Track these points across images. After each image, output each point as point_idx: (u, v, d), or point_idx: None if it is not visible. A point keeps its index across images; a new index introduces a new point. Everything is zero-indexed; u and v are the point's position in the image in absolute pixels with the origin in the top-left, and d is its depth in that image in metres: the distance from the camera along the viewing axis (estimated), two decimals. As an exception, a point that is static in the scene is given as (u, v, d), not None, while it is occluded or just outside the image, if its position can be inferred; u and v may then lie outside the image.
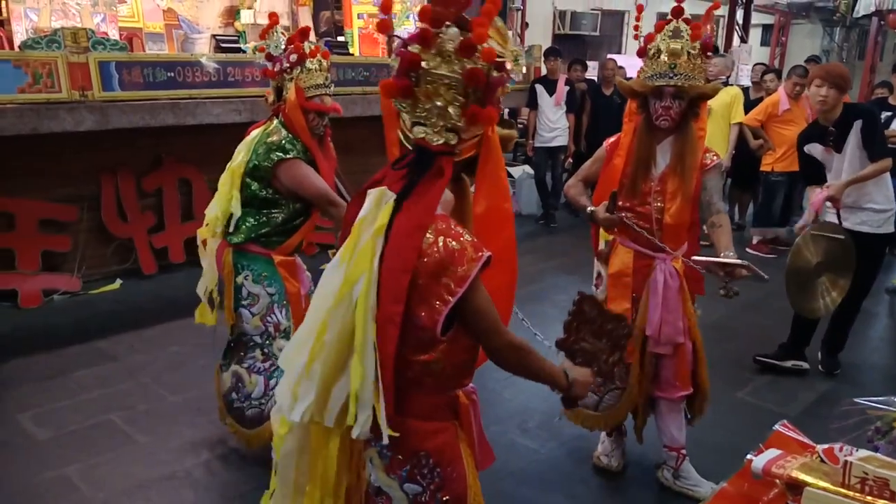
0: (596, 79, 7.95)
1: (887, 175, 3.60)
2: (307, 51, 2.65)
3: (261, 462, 2.60)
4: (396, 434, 1.34)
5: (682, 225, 2.55)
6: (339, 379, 1.35)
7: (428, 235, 1.33)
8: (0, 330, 4.03)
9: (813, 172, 3.75)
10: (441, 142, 1.36)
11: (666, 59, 2.43)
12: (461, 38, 1.30)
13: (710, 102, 6.75)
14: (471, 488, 1.50)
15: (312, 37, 2.61)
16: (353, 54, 6.70)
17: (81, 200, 4.63)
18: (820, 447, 1.53)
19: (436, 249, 1.32)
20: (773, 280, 4.29)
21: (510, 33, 1.43)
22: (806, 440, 1.64)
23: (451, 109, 1.34)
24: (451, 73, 1.32)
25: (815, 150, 3.66)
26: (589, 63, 8.29)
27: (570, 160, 7.40)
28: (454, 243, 1.33)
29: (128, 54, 4.42)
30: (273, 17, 2.84)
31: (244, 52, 5.35)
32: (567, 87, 7.03)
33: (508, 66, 1.37)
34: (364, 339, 1.32)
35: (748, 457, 1.58)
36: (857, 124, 3.49)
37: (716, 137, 6.23)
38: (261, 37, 2.79)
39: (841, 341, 3.87)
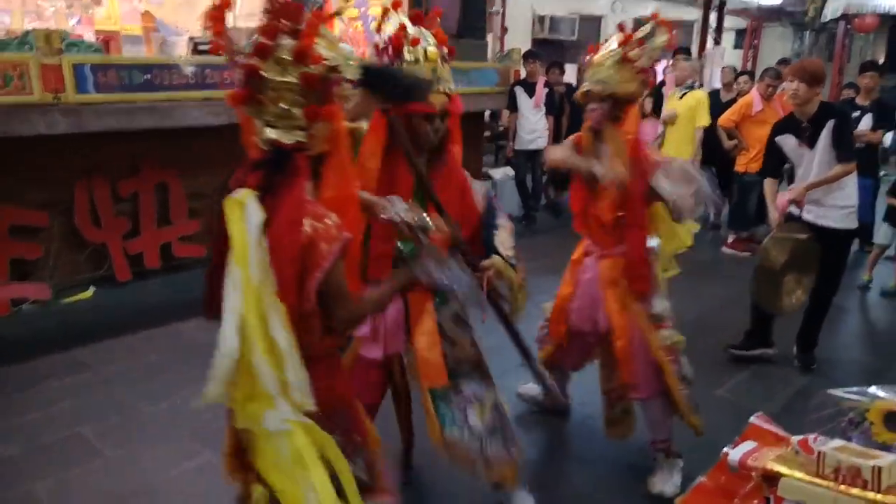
0: (574, 82, 8.00)
1: (853, 173, 3.68)
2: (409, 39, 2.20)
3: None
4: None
5: (608, 224, 2.70)
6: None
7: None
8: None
9: (775, 164, 3.89)
10: (293, 140, 1.51)
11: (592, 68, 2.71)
12: (294, 48, 1.46)
13: (675, 106, 6.84)
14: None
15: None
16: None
17: (54, 206, 4.53)
18: (795, 438, 1.59)
19: (305, 230, 1.49)
20: (749, 277, 4.34)
21: (342, 42, 1.60)
22: (781, 432, 1.70)
23: (294, 111, 1.49)
24: (290, 79, 1.47)
25: (787, 141, 3.74)
26: (567, 67, 8.34)
27: (551, 163, 7.41)
28: (320, 225, 1.50)
29: (103, 56, 4.34)
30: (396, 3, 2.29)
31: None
32: (546, 90, 7.08)
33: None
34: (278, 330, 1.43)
35: (724, 450, 1.62)
36: (830, 123, 3.57)
37: (682, 141, 6.36)
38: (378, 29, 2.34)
39: (814, 337, 3.94)
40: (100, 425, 3.10)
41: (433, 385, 2.29)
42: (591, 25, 15.54)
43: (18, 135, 3.90)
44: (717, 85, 8.39)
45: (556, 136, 7.41)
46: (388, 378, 2.49)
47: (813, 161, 3.64)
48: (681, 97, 6.43)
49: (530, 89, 7.02)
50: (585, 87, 2.70)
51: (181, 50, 6.78)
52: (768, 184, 3.88)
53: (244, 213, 1.44)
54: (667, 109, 6.49)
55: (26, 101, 3.90)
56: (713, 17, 11.88)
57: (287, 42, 1.47)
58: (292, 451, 1.44)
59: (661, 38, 2.70)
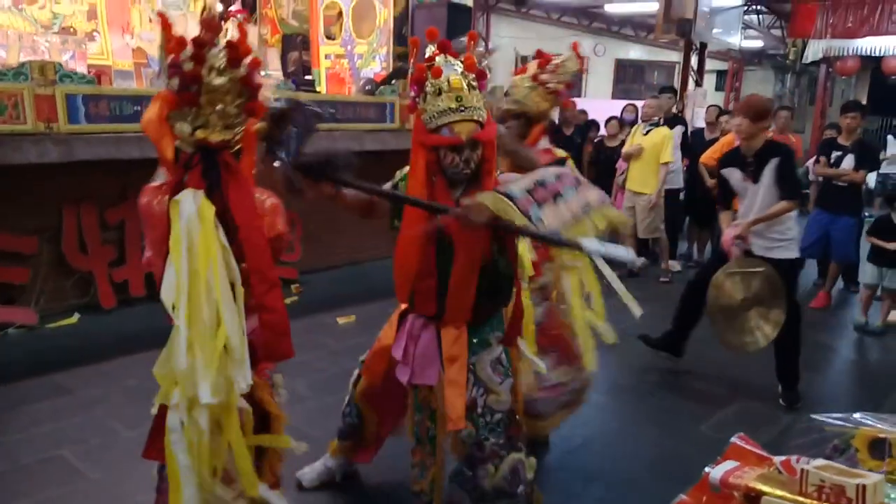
0: (556, 120, 8.18)
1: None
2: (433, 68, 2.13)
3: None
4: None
5: None
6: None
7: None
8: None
9: (726, 196, 4.03)
10: (221, 138, 1.71)
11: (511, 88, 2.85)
12: (228, 54, 1.68)
13: (640, 142, 7.04)
14: None
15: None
16: (320, 92, 6.81)
17: (42, 232, 4.56)
18: (777, 459, 1.56)
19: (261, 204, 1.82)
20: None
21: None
22: (763, 452, 1.65)
23: (229, 109, 1.70)
24: (224, 82, 1.68)
25: (733, 175, 3.88)
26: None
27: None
28: (267, 202, 1.86)
29: (95, 87, 4.43)
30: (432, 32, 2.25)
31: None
32: (529, 128, 7.21)
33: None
34: (231, 311, 1.69)
35: (706, 469, 1.61)
36: (774, 162, 3.69)
37: (646, 176, 6.51)
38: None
39: (792, 371, 3.94)
40: (80, 447, 3.10)
41: (454, 427, 2.21)
42: (576, 66, 15.84)
43: (11, 162, 3.94)
44: (700, 124, 8.63)
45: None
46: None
47: (756, 195, 3.76)
48: (646, 133, 6.56)
49: (514, 126, 7.16)
50: (504, 105, 2.88)
51: (172, 85, 6.91)
52: (722, 216, 4.02)
53: (179, 211, 1.66)
54: (631, 145, 6.62)
55: (20, 129, 3.96)
56: (694, 59, 12.22)
57: (215, 51, 1.68)
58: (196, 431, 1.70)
59: (573, 65, 2.97)
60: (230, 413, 1.77)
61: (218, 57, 1.68)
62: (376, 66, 6.87)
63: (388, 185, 2.32)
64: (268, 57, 8.10)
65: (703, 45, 12.21)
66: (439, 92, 2.06)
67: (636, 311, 2.23)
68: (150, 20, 8.11)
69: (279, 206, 1.88)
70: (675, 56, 16.25)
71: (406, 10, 6.89)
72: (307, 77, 7.36)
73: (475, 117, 2.08)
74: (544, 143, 3.15)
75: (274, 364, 2.06)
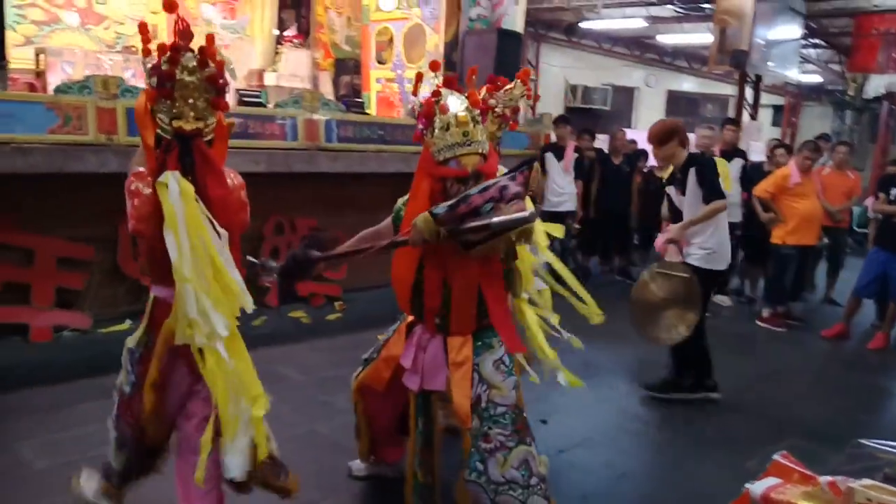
0: (606, 149, 8.16)
1: (720, 219, 4.03)
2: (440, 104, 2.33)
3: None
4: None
5: None
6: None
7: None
8: (9, 362, 4.08)
9: (673, 212, 4.24)
10: (193, 127, 2.06)
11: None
12: (198, 58, 2.02)
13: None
14: None
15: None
16: (369, 114, 6.93)
17: (99, 240, 4.72)
18: (823, 479, 1.53)
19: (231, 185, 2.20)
20: (785, 353, 4.31)
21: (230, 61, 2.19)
22: (807, 471, 1.63)
23: (199, 103, 2.06)
24: (195, 80, 2.04)
25: (672, 192, 4.19)
26: (599, 136, 8.53)
27: (578, 226, 7.52)
28: (235, 181, 2.25)
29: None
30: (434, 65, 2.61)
31: (265, 106, 5.58)
32: (576, 155, 7.20)
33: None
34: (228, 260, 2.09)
35: (746, 486, 1.58)
36: (692, 171, 3.97)
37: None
38: (414, 92, 2.58)
39: (682, 365, 4.19)
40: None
41: (463, 425, 2.41)
42: (625, 96, 15.83)
43: (72, 171, 4.13)
44: (755, 158, 8.45)
45: (586, 201, 7.54)
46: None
47: (684, 205, 4.07)
48: None
49: (559, 153, 7.10)
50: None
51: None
52: (667, 226, 4.28)
53: (168, 190, 2.00)
54: None
55: (82, 140, 4.15)
56: (749, 92, 12.05)
57: (189, 55, 2.03)
58: (216, 359, 2.05)
59: (519, 91, 3.21)
60: (236, 340, 2.13)
61: (190, 60, 2.03)
62: (425, 91, 6.98)
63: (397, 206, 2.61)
64: (320, 80, 8.32)
65: (759, 78, 12.04)
66: (447, 127, 2.28)
67: (596, 319, 2.70)
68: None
69: (243, 183, 2.28)
70: (729, 89, 16.06)
71: (457, 36, 6.99)
72: (357, 100, 7.50)
73: (479, 150, 2.30)
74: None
75: None
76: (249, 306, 2.11)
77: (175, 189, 2.00)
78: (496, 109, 3.21)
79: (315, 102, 5.42)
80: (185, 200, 2.00)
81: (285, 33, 8.69)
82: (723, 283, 6.98)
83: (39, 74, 6.32)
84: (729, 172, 6.40)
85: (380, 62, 7.56)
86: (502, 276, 2.45)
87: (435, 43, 6.89)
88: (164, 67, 2.02)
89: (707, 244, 4.04)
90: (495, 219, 2.09)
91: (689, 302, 3.86)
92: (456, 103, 2.30)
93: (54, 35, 6.85)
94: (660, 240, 4.13)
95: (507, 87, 3.24)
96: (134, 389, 2.37)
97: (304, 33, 8.90)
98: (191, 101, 2.05)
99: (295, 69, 8.09)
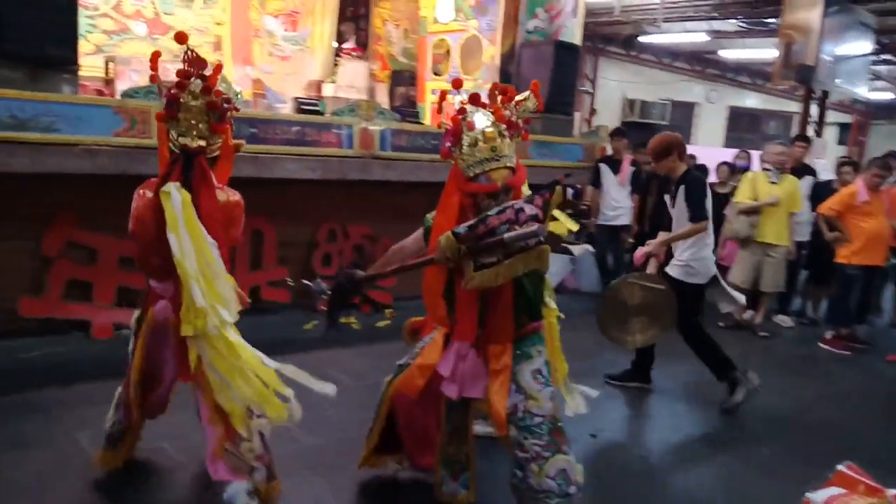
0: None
1: (702, 237, 4.11)
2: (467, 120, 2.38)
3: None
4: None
5: None
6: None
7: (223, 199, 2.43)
8: (71, 357, 4.23)
9: (668, 219, 4.32)
10: (196, 145, 2.35)
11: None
12: (202, 85, 2.31)
13: (776, 192, 6.72)
14: None
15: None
16: (423, 123, 6.98)
17: (159, 242, 4.88)
18: (891, 491, 1.50)
19: (223, 200, 2.43)
20: (848, 377, 4.15)
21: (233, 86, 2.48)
22: (874, 483, 1.58)
23: (201, 125, 2.34)
24: (198, 104, 2.32)
25: (668, 200, 4.30)
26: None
27: (632, 240, 7.38)
28: (232, 198, 2.50)
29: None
30: (457, 83, 2.57)
31: (322, 114, 5.68)
32: (633, 169, 7.09)
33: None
34: (220, 264, 2.37)
35: (807, 495, 1.52)
36: (682, 188, 4.07)
37: (780, 227, 6.12)
38: (437, 110, 2.62)
39: (718, 364, 4.20)
40: (181, 442, 3.24)
41: (500, 433, 2.46)
42: (685, 111, 15.58)
43: (137, 173, 4.26)
44: (824, 176, 8.16)
45: (641, 216, 7.40)
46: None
47: (674, 218, 4.19)
48: (776, 182, 6.13)
49: (615, 166, 7.01)
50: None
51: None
52: (660, 234, 4.38)
53: (171, 198, 2.27)
54: (768, 194, 6.09)
55: (146, 143, 4.27)
56: (814, 109, 11.70)
57: (197, 82, 2.31)
58: (226, 344, 2.32)
59: (532, 102, 3.22)
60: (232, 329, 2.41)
61: (197, 86, 2.30)
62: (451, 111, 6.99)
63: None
64: (376, 91, 8.43)
65: (825, 95, 11.67)
66: (475, 143, 2.34)
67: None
68: (270, 54, 8.64)
69: (239, 202, 2.52)
70: (793, 106, 15.63)
71: (513, 48, 6.98)
72: (412, 110, 7.57)
73: (508, 164, 2.36)
74: None
75: None
76: (234, 312, 2.37)
77: (177, 197, 2.27)
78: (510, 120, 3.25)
79: (371, 111, 5.49)
80: (184, 207, 2.28)
81: (344, 46, 8.86)
82: (784, 302, 6.79)
83: (109, 82, 6.58)
84: (799, 190, 6.23)
85: (436, 74, 7.62)
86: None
87: (491, 55, 6.91)
88: (172, 91, 2.30)
89: (683, 257, 4.17)
90: (507, 235, 2.17)
91: (658, 317, 4.00)
92: (482, 119, 2.36)
93: (123, 44, 7.15)
94: (639, 252, 4.26)
95: (519, 97, 3.25)
96: (130, 357, 2.76)
97: (363, 46, 9.06)
98: (194, 122, 2.33)
99: (352, 80, 8.22)
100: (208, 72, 2.33)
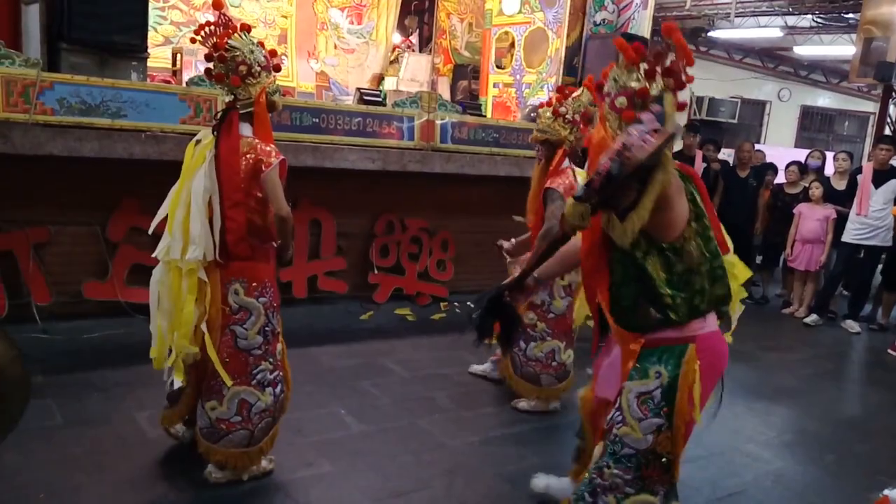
0: (731, 160, 7.75)
1: None
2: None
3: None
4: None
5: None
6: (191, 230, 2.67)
7: (246, 147, 2.67)
8: (132, 339, 4.28)
9: None
10: (229, 99, 2.72)
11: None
12: (218, 56, 2.68)
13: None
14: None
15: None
16: (485, 116, 6.89)
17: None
18: None
19: (253, 152, 2.66)
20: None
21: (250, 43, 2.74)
22: None
23: (225, 84, 2.70)
24: (223, 67, 2.68)
25: None
26: (724, 150, 8.13)
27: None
28: (265, 147, 2.69)
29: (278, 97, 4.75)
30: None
31: (384, 104, 5.66)
32: (703, 165, 6.89)
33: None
34: (198, 205, 2.67)
35: (885, 492, 1.61)
36: None
37: None
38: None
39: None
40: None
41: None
42: (755, 109, 15.05)
43: (199, 159, 4.34)
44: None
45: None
46: None
47: None
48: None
49: (687, 163, 6.82)
50: (534, 133, 3.70)
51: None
52: None
53: (193, 145, 2.76)
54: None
55: (210, 130, 4.36)
56: (893, 110, 11.13)
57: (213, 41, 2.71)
58: (177, 282, 2.70)
59: (586, 98, 3.47)
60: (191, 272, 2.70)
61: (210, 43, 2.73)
62: (544, 96, 6.85)
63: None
64: (438, 85, 8.38)
65: (904, 93, 11.08)
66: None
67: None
68: (335, 46, 8.68)
69: (270, 156, 2.66)
70: (870, 106, 14.92)
71: (579, 40, 6.81)
72: (475, 102, 7.49)
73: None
74: (566, 163, 3.68)
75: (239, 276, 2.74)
76: (200, 253, 2.64)
77: (202, 139, 2.76)
78: (566, 116, 3.57)
79: (432, 103, 5.42)
80: (200, 149, 2.72)
81: (398, 39, 8.88)
82: (854, 307, 6.52)
83: (176, 73, 6.71)
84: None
85: (499, 67, 7.51)
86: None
87: (556, 47, 6.76)
88: (206, 62, 2.75)
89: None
90: (641, 154, 1.79)
91: None
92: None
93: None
94: None
95: (575, 94, 3.61)
96: None
97: (427, 39, 9.03)
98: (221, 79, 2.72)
99: (414, 73, 8.18)
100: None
